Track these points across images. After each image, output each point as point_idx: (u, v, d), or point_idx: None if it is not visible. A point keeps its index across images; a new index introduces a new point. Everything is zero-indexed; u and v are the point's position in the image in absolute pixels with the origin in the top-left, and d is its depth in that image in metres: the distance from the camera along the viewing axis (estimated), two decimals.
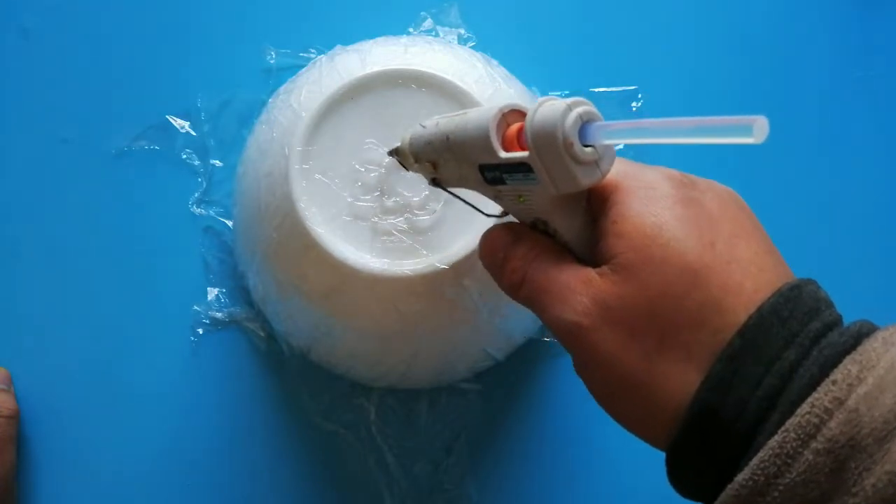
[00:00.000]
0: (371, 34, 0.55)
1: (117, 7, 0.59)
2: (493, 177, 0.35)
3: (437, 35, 0.58)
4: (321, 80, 0.50)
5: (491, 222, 0.38)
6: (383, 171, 0.48)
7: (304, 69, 0.55)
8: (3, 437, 0.50)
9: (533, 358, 0.55)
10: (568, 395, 0.54)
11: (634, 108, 0.58)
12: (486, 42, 0.58)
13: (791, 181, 0.58)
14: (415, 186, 0.47)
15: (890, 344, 0.28)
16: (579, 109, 0.30)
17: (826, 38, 0.61)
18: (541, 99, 0.31)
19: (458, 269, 0.46)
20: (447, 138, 0.36)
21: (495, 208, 0.38)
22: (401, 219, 0.47)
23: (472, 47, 0.57)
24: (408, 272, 0.46)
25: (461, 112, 0.36)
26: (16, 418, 0.52)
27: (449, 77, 0.48)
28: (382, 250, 0.47)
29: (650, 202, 0.32)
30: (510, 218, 0.37)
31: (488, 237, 0.37)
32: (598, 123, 0.30)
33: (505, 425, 0.54)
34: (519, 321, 0.52)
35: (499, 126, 0.33)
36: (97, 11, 0.59)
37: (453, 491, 0.53)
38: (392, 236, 0.47)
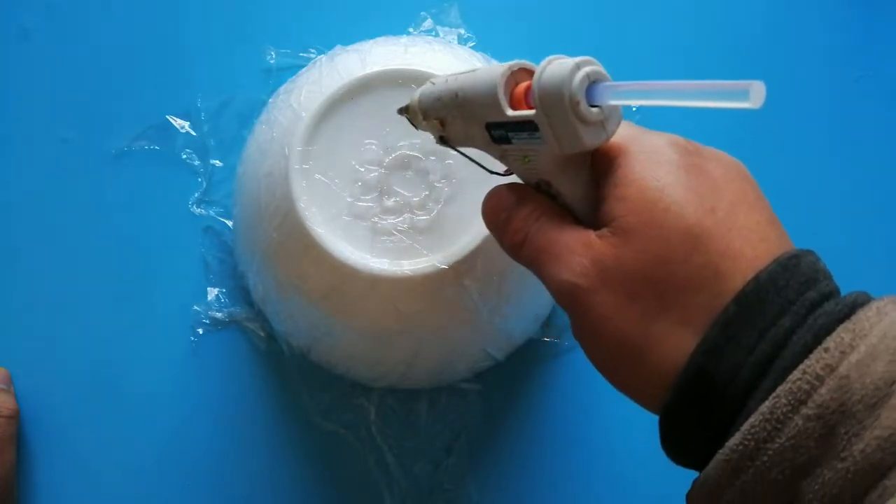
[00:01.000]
0: (371, 34, 0.55)
1: (117, 7, 0.59)
2: (499, 135, 0.35)
3: (437, 35, 0.58)
4: (321, 80, 0.50)
5: (495, 182, 0.38)
6: (383, 171, 0.48)
7: (304, 69, 0.55)
8: (3, 437, 0.50)
9: (533, 358, 0.55)
10: (568, 395, 0.54)
11: (634, 108, 0.58)
12: (486, 42, 0.58)
13: (791, 180, 0.58)
14: (415, 186, 0.48)
15: (883, 314, 0.28)
16: (587, 69, 0.30)
17: (826, 38, 0.61)
18: (549, 57, 0.31)
19: (458, 269, 0.46)
20: (456, 95, 0.36)
21: (500, 168, 0.38)
22: (401, 219, 0.47)
23: (472, 47, 0.57)
24: (408, 272, 0.46)
25: (471, 70, 0.36)
26: (16, 418, 0.52)
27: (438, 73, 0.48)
28: (382, 250, 0.47)
29: (653, 167, 0.32)
30: (515, 178, 0.37)
31: (492, 197, 0.37)
32: (606, 84, 0.30)
33: (505, 425, 0.54)
34: (519, 321, 0.52)
35: (507, 84, 0.33)
36: (97, 12, 0.59)
37: (453, 491, 0.53)
38: (392, 236, 0.47)
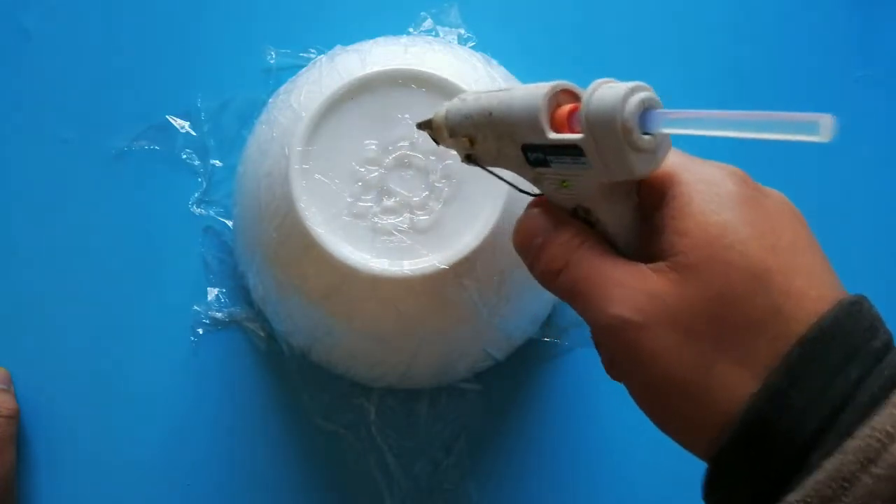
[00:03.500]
0: (371, 34, 0.55)
1: (117, 7, 0.60)
2: (536, 158, 0.33)
3: (437, 35, 0.58)
4: (321, 80, 0.50)
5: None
6: (383, 171, 0.48)
7: (304, 69, 0.55)
8: (3, 437, 0.50)
9: (533, 358, 0.55)
10: (567, 395, 0.54)
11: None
12: (486, 42, 0.58)
13: (790, 181, 0.58)
14: (415, 186, 0.48)
15: None
16: (641, 94, 0.29)
17: (826, 38, 0.61)
18: (597, 81, 0.30)
19: (458, 269, 0.46)
20: (490, 114, 0.34)
21: (533, 188, 0.36)
22: (401, 219, 0.47)
23: (472, 47, 0.57)
24: (408, 272, 0.46)
25: (505, 88, 0.35)
26: (16, 418, 0.52)
27: (449, 77, 0.48)
28: (382, 250, 0.46)
29: (713, 200, 0.30)
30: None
31: (526, 219, 0.35)
32: (660, 111, 0.29)
33: (505, 425, 0.54)
34: (519, 321, 0.52)
35: (549, 106, 0.32)
36: (97, 12, 0.59)
37: (453, 491, 0.53)
38: (392, 236, 0.47)
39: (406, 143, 0.48)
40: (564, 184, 0.33)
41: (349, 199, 0.47)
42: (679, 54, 0.60)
